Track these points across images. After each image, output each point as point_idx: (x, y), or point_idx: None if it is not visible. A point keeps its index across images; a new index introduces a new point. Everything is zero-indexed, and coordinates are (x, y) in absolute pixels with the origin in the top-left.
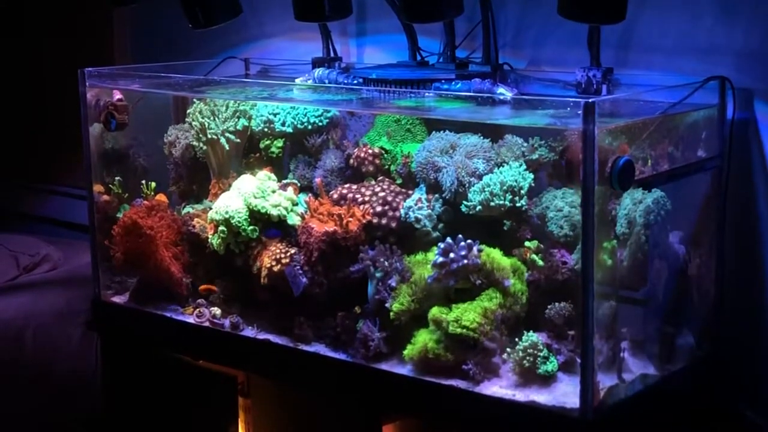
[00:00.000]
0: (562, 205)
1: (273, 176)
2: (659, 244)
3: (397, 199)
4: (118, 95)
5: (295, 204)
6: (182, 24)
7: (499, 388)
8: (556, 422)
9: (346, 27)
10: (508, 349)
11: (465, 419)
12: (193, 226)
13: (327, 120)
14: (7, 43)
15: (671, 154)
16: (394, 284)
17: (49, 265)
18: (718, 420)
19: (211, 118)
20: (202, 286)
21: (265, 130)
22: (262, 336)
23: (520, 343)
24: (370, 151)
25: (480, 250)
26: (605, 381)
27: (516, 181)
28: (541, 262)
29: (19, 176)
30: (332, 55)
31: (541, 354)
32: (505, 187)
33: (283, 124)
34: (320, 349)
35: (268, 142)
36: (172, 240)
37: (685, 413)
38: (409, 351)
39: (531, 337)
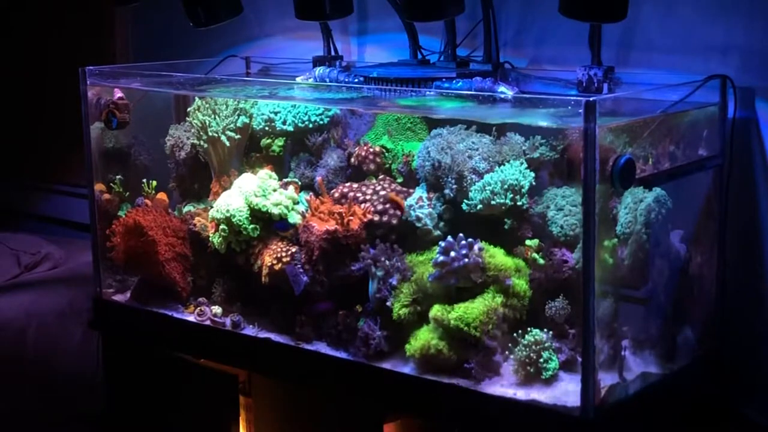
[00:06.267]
0: (563, 203)
1: (274, 175)
2: (660, 242)
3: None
4: (119, 94)
5: (296, 202)
6: (183, 22)
7: (501, 387)
8: (557, 421)
9: (346, 26)
10: (510, 354)
11: (466, 418)
12: (194, 225)
13: (328, 118)
14: (8, 41)
15: (672, 153)
16: (395, 283)
17: (50, 264)
18: (718, 419)
19: (212, 116)
20: None
21: (266, 128)
22: (263, 335)
23: (525, 337)
24: (371, 149)
25: (481, 249)
26: (606, 380)
27: (517, 179)
28: (542, 261)
29: (20, 175)
30: (333, 53)
31: (544, 355)
32: (506, 186)
33: (284, 123)
34: (321, 347)
35: (269, 140)
36: (173, 239)
37: (685, 412)
38: (410, 348)
39: (537, 334)
